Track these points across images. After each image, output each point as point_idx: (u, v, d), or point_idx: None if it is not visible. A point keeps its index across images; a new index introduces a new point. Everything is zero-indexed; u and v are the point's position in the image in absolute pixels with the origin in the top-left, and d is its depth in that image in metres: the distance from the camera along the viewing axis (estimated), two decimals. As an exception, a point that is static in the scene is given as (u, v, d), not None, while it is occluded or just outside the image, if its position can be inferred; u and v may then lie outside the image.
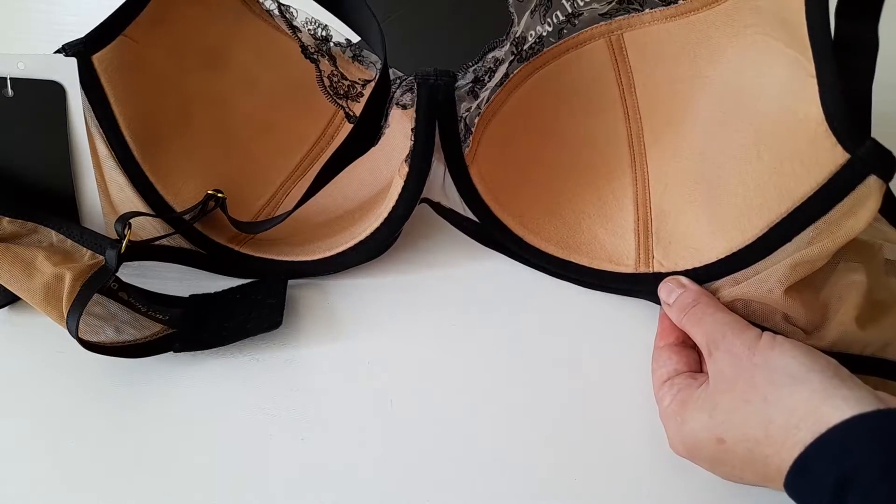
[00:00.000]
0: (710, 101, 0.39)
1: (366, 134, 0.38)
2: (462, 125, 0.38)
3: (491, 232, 0.40)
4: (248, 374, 0.38)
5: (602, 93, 0.43)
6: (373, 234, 0.39)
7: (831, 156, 0.30)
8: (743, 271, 0.35)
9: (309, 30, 0.42)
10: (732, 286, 0.35)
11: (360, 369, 0.39)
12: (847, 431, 0.26)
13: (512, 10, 0.37)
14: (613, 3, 0.42)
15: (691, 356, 0.35)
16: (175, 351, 0.38)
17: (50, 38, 0.38)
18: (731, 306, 0.35)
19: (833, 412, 0.26)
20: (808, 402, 0.27)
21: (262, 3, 0.44)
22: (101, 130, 0.39)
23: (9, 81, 0.38)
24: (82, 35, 0.37)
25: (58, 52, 0.38)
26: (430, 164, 0.37)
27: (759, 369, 0.30)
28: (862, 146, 0.29)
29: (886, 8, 0.31)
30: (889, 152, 0.29)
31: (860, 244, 0.35)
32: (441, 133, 0.37)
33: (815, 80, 0.30)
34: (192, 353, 0.39)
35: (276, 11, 0.42)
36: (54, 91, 0.38)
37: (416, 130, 0.36)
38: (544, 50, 0.42)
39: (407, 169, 0.37)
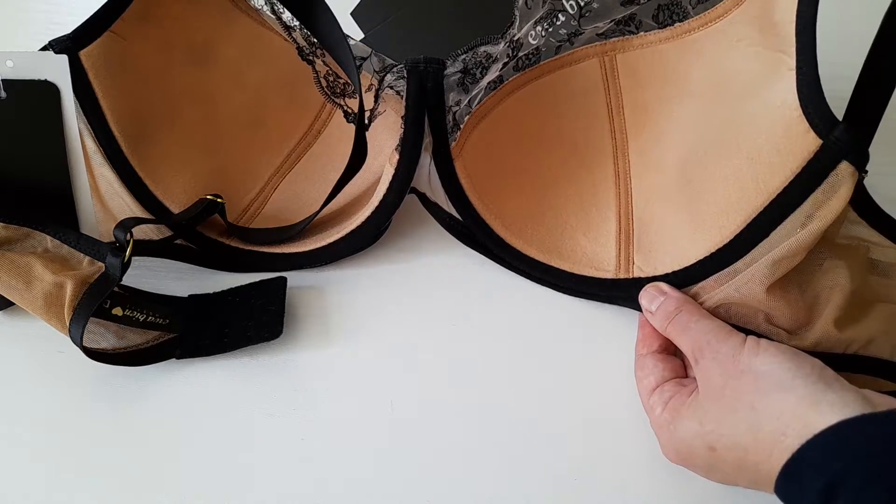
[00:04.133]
0: (697, 113, 0.39)
1: (359, 160, 0.39)
2: (451, 118, 0.38)
3: (473, 231, 0.40)
4: (248, 374, 0.38)
5: (591, 110, 0.44)
6: (364, 222, 0.39)
7: (804, 142, 0.30)
8: (723, 272, 0.34)
9: (303, 32, 0.42)
10: (714, 289, 0.35)
11: (360, 369, 0.39)
12: (833, 437, 0.26)
13: (516, 11, 0.37)
14: (611, 24, 0.42)
15: (676, 363, 0.35)
16: (177, 358, 0.38)
17: (49, 37, 0.38)
18: (714, 312, 0.35)
19: (819, 418, 0.26)
20: (795, 409, 0.27)
21: (250, 0, 0.44)
22: (88, 126, 0.39)
23: (1, 83, 0.38)
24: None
25: (44, 48, 0.38)
26: (420, 151, 0.37)
27: (745, 376, 0.30)
28: (834, 131, 0.29)
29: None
30: (859, 137, 0.29)
31: (844, 247, 0.35)
32: (430, 121, 0.37)
33: (794, 73, 0.31)
34: (193, 355, 0.39)
35: (269, 12, 0.42)
36: (47, 91, 0.38)
37: (405, 118, 0.36)
38: (540, 62, 0.43)
39: (397, 157, 0.37)
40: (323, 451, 0.36)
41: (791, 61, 0.31)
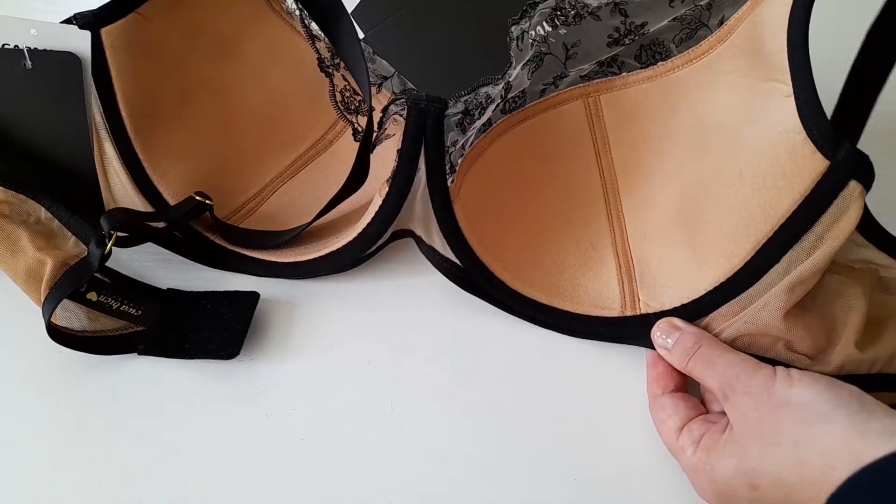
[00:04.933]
0: (688, 148, 0.39)
1: (358, 180, 0.39)
2: (447, 159, 0.37)
3: (473, 276, 0.39)
4: (248, 374, 0.38)
5: (578, 151, 0.44)
6: (344, 247, 0.39)
7: (811, 164, 0.30)
8: (735, 300, 0.34)
9: (326, 41, 0.41)
10: (727, 319, 0.34)
11: (360, 370, 0.39)
12: (883, 470, 0.25)
13: (511, 54, 0.36)
14: (594, 66, 0.42)
15: (695, 400, 0.35)
16: (139, 353, 0.38)
17: None
18: (732, 344, 0.34)
19: (867, 449, 0.26)
20: (842, 441, 0.27)
21: (284, 2, 0.43)
22: (98, 101, 0.39)
23: (27, 52, 0.38)
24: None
25: (67, 21, 0.38)
26: (411, 186, 0.37)
27: (782, 409, 0.29)
28: (840, 151, 0.29)
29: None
30: (865, 155, 0.29)
31: (853, 269, 0.35)
32: (427, 159, 0.36)
33: (792, 99, 0.31)
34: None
35: (298, 15, 0.42)
36: (71, 62, 0.38)
37: (401, 152, 0.36)
38: (526, 105, 0.43)
39: (387, 188, 0.37)
40: (323, 451, 0.36)
41: (787, 88, 0.31)
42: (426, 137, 0.35)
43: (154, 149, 0.41)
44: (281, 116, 0.46)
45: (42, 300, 0.35)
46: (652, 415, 0.35)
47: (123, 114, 0.39)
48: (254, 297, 0.40)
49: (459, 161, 0.38)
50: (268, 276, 0.42)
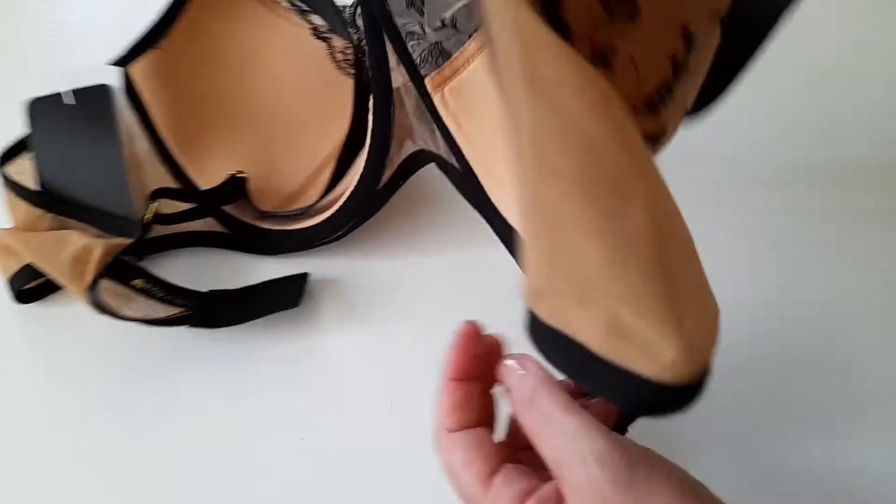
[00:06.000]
0: None
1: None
2: (433, 48, 0.33)
3: (470, 185, 0.35)
4: (248, 374, 0.38)
5: None
6: (361, 178, 0.38)
7: None
8: None
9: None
10: None
11: (360, 369, 0.38)
12: None
13: None
14: None
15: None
16: (190, 325, 0.38)
17: (50, 36, 0.42)
18: None
19: None
20: None
21: (279, 2, 0.46)
22: (143, 130, 0.43)
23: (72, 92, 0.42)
24: (84, 33, 0.42)
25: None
26: (391, 82, 0.35)
27: None
28: None
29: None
30: None
31: None
32: (395, 50, 0.34)
33: None
34: (192, 352, 0.39)
35: (286, 2, 0.44)
36: (104, 92, 0.43)
37: (367, 42, 0.34)
38: None
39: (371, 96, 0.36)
40: (323, 451, 0.35)
41: None
42: (380, 25, 0.33)
43: (201, 164, 0.43)
44: (307, 113, 0.46)
45: (89, 280, 0.36)
46: (440, 455, 0.27)
47: (165, 136, 0.43)
48: (303, 276, 0.40)
49: (465, 45, 0.32)
50: (309, 248, 0.42)
